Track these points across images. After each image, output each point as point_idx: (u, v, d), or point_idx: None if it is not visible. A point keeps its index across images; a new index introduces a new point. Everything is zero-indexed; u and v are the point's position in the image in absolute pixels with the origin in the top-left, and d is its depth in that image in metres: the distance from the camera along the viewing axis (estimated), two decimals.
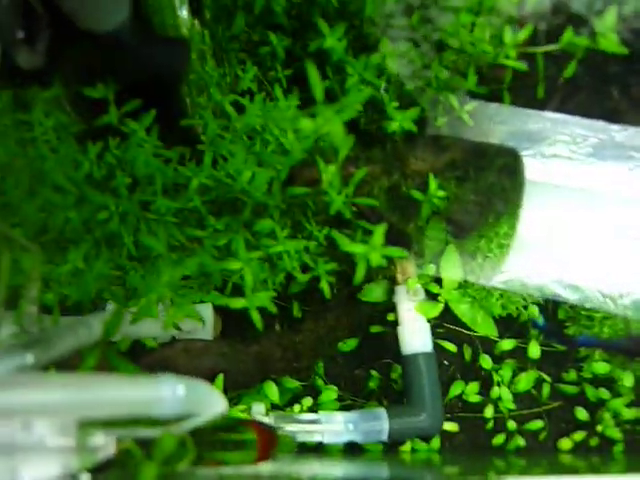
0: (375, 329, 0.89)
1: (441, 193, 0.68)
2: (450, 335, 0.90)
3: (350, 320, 0.89)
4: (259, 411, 0.79)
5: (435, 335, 0.88)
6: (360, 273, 0.52)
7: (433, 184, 0.68)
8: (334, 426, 0.78)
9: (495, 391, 0.88)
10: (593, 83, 0.81)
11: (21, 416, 0.30)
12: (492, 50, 0.64)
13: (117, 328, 0.44)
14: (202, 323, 0.85)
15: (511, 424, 0.87)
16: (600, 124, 0.76)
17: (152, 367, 0.73)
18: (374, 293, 0.87)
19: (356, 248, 0.51)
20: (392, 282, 0.86)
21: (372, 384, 0.90)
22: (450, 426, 0.89)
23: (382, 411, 0.80)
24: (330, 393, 0.86)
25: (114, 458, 0.37)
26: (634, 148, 0.75)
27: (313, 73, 0.42)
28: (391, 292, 0.86)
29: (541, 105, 0.81)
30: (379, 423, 0.79)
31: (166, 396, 0.35)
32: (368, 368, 0.91)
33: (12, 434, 0.32)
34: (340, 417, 0.79)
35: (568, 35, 0.62)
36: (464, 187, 0.71)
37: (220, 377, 0.76)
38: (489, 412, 0.87)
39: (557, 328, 0.87)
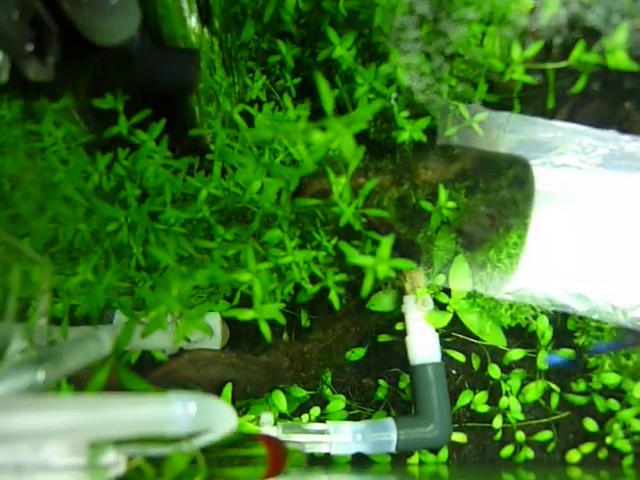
0: (383, 338, 0.89)
1: (451, 204, 0.68)
2: (459, 345, 0.89)
3: (358, 329, 0.89)
4: (267, 421, 0.78)
5: (443, 345, 0.88)
6: (368, 285, 0.52)
7: (443, 195, 0.68)
8: (342, 436, 0.78)
9: (504, 401, 0.87)
10: (604, 93, 0.80)
11: (32, 439, 0.30)
12: (501, 65, 0.63)
13: (127, 342, 0.44)
14: (210, 334, 0.85)
15: (520, 435, 0.86)
16: (610, 134, 0.75)
17: (160, 379, 0.73)
18: (383, 303, 0.87)
19: (364, 260, 0.51)
20: (401, 292, 0.86)
21: (380, 394, 0.89)
22: (458, 437, 0.88)
23: (390, 421, 0.79)
24: (338, 403, 0.86)
25: (124, 476, 0.37)
26: None
27: (322, 85, 0.42)
28: (400, 302, 0.86)
29: (551, 115, 0.81)
30: (387, 434, 0.78)
31: (178, 414, 0.35)
32: (376, 377, 0.90)
33: (20, 454, 0.32)
34: (348, 427, 0.79)
35: (577, 52, 0.61)
36: (474, 197, 0.70)
37: (228, 387, 0.75)
38: (497, 422, 0.86)
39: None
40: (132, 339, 0.52)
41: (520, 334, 0.90)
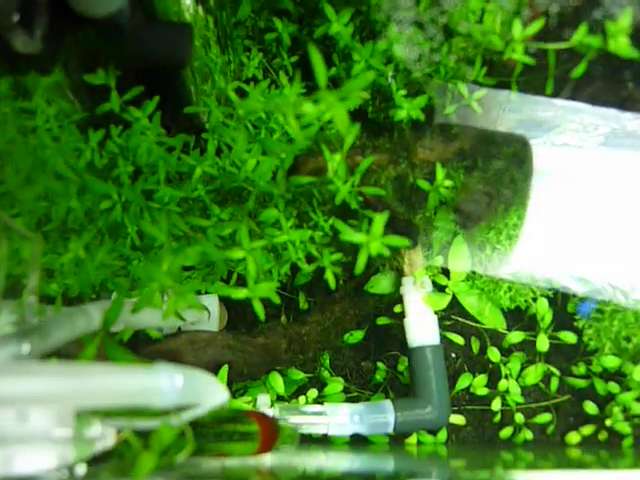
0: (382, 321, 0.89)
1: (448, 183, 0.67)
2: (458, 327, 0.89)
3: (357, 312, 0.88)
4: (264, 402, 0.78)
5: (442, 327, 0.87)
6: (361, 262, 0.51)
7: (440, 174, 0.67)
8: (340, 418, 0.78)
9: (503, 384, 0.87)
10: (607, 72, 0.79)
11: (15, 405, 0.30)
12: (500, 43, 0.62)
13: (117, 317, 0.43)
14: (208, 314, 0.85)
15: (519, 417, 0.86)
16: (612, 112, 0.74)
17: (155, 358, 0.73)
18: (381, 285, 0.86)
19: (356, 237, 0.50)
20: (399, 274, 0.85)
21: (378, 376, 0.89)
22: (457, 419, 0.88)
23: (388, 403, 0.79)
24: (336, 385, 0.86)
25: (113, 449, 0.37)
26: None
27: (316, 57, 0.41)
28: (398, 284, 0.85)
29: (554, 94, 0.80)
30: (385, 415, 0.78)
31: (164, 386, 0.34)
32: (375, 360, 0.90)
33: (6, 424, 0.31)
34: (346, 409, 0.79)
35: (580, 34, 0.60)
36: (472, 176, 0.69)
37: (224, 368, 0.75)
38: (496, 405, 0.86)
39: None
40: (125, 316, 0.51)
41: (520, 317, 0.89)
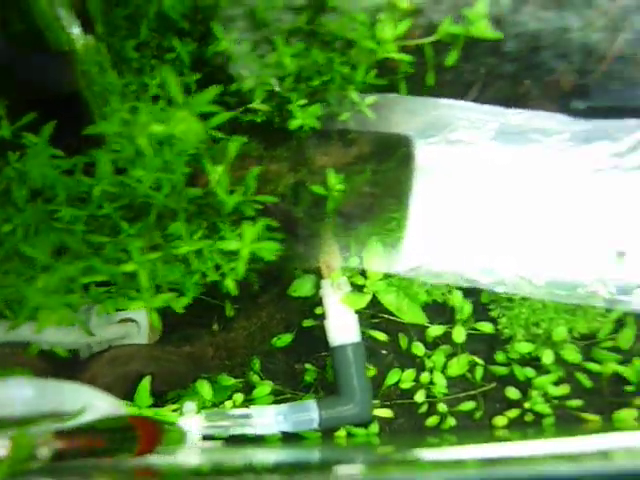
0: (308, 323, 0.91)
1: (340, 187, 0.70)
2: (382, 325, 0.92)
3: (283, 316, 0.91)
4: (190, 409, 0.80)
5: (368, 326, 0.90)
6: (240, 268, 0.54)
7: (332, 178, 0.70)
8: (265, 419, 0.80)
9: (427, 377, 0.90)
10: (511, 72, 0.81)
11: None
12: (373, 44, 0.66)
13: None
14: (138, 328, 0.87)
15: (442, 407, 0.89)
16: (497, 108, 0.77)
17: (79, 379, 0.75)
18: (303, 288, 0.89)
19: (231, 245, 0.53)
20: (319, 276, 0.88)
21: (308, 377, 0.91)
22: (387, 412, 0.90)
23: (312, 402, 0.82)
24: (264, 388, 0.88)
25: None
26: (535, 131, 0.77)
27: (169, 76, 0.44)
28: (319, 286, 0.88)
29: (460, 95, 0.83)
30: (309, 414, 0.81)
31: (14, 396, 0.37)
32: (305, 362, 0.92)
33: None
34: (270, 410, 0.81)
35: (445, 25, 0.64)
36: (364, 179, 0.72)
37: (145, 380, 0.77)
38: (422, 397, 0.89)
39: None
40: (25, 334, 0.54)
41: (443, 310, 0.92)
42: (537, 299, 0.83)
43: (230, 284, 0.66)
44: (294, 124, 0.72)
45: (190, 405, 0.81)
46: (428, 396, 0.90)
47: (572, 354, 0.86)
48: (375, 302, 0.89)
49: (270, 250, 0.53)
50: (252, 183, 0.66)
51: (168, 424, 0.59)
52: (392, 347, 0.94)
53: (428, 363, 0.91)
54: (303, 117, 0.72)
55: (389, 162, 0.72)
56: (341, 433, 0.88)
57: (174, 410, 0.80)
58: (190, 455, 0.70)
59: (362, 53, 0.68)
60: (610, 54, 0.78)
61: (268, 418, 0.81)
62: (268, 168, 0.72)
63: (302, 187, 0.71)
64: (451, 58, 0.69)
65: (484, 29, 0.63)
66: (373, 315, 0.93)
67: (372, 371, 0.92)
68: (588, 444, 0.80)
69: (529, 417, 0.90)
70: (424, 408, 0.90)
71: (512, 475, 0.65)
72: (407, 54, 0.69)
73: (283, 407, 0.82)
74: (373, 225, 0.76)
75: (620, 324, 0.88)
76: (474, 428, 0.91)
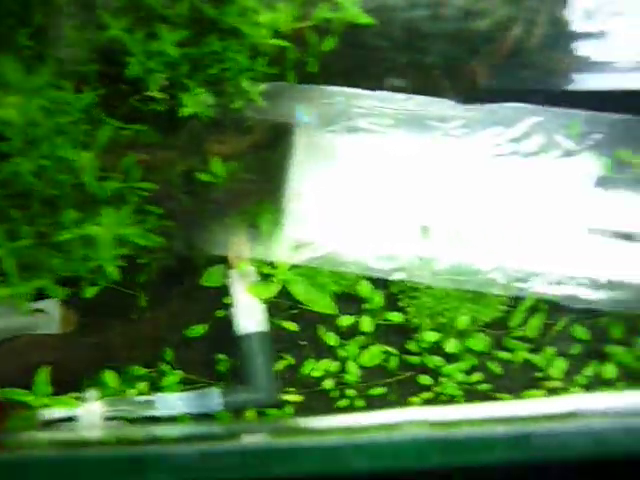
0: (220, 313, 0.92)
1: (223, 173, 0.70)
2: (302, 316, 0.92)
3: (197, 307, 0.91)
4: (92, 396, 0.81)
5: (287, 316, 0.91)
6: (104, 254, 0.54)
7: (217, 167, 0.70)
8: (168, 406, 0.81)
9: (340, 366, 0.90)
10: (382, 58, 0.82)
11: None
12: (253, 31, 0.66)
13: None
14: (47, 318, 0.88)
15: (353, 392, 0.89)
16: (391, 95, 0.78)
17: None
18: (214, 278, 0.90)
19: (90, 230, 0.54)
20: (229, 266, 0.88)
21: (222, 367, 0.92)
22: (299, 398, 0.90)
23: (215, 390, 0.83)
24: (173, 377, 0.88)
25: None
26: (432, 117, 0.78)
27: (8, 64, 0.44)
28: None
29: (334, 81, 0.83)
30: (212, 402, 0.82)
31: None
32: (218, 351, 0.93)
33: None
34: (173, 397, 0.82)
35: (321, 11, 0.64)
36: (256, 167, 0.73)
37: (44, 370, 0.78)
38: (333, 384, 0.89)
39: None
40: None
41: (355, 301, 0.92)
42: (440, 287, 0.83)
43: (112, 270, 0.66)
44: (185, 112, 0.73)
45: (92, 393, 0.81)
46: (342, 384, 0.91)
47: (480, 343, 0.87)
48: (284, 292, 0.89)
49: (138, 235, 0.53)
50: (134, 170, 0.66)
51: (23, 407, 0.60)
52: (311, 338, 0.94)
53: (342, 353, 0.91)
54: (193, 105, 0.72)
55: (279, 150, 0.73)
56: (251, 413, 0.88)
57: (76, 398, 0.81)
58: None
59: (245, 40, 0.68)
60: (506, 42, 0.78)
61: (170, 405, 0.81)
62: (159, 156, 0.72)
63: (191, 176, 0.72)
64: (328, 44, 0.69)
65: (356, 14, 0.63)
66: (292, 306, 0.93)
67: (291, 360, 0.92)
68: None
69: (443, 398, 0.90)
70: (336, 394, 0.90)
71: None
72: (292, 42, 0.69)
73: (186, 395, 0.83)
74: (271, 215, 0.77)
75: (530, 313, 0.88)
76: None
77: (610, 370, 0.85)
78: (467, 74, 0.78)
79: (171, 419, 0.82)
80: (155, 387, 0.88)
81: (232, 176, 0.72)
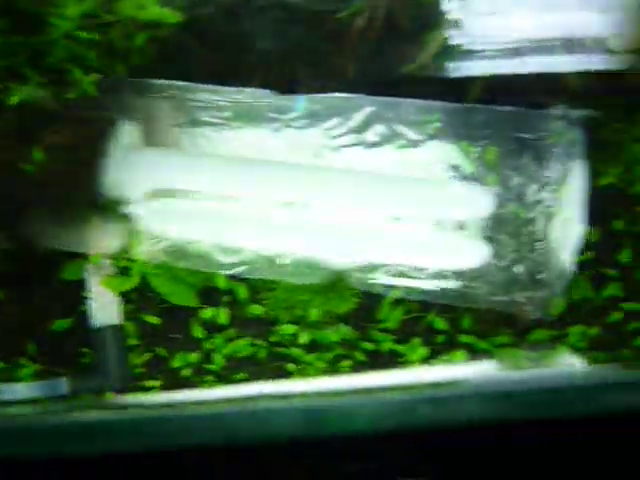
0: (83, 307, 0.91)
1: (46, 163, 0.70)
2: (154, 308, 0.91)
3: (60, 300, 0.91)
4: None
5: (139, 309, 0.90)
6: None
7: (37, 155, 0.70)
8: (12, 393, 0.81)
9: (204, 357, 0.89)
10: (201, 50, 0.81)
11: None
12: (60, 22, 0.66)
13: None
14: None
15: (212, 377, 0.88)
16: (217, 87, 0.77)
17: None
18: (74, 271, 0.89)
19: None
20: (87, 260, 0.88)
21: (87, 359, 0.91)
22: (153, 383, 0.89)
23: (61, 380, 0.83)
24: (27, 370, 0.88)
25: None
26: (269, 109, 0.77)
27: None
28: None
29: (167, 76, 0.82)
30: (57, 388, 0.82)
31: None
32: (83, 345, 0.92)
33: None
34: (18, 387, 0.83)
35: (125, 8, 0.64)
36: (82, 158, 0.73)
37: None
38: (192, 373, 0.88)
39: None
40: None
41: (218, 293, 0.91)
42: (291, 281, 0.82)
43: None
44: (12, 100, 0.72)
45: None
46: (204, 372, 0.90)
47: (334, 335, 0.86)
48: (145, 285, 0.88)
49: None
50: None
51: None
52: (180, 330, 0.93)
53: (208, 345, 0.91)
54: (21, 95, 0.72)
55: (106, 142, 0.72)
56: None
57: None
58: None
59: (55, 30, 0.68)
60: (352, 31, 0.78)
61: (15, 392, 0.81)
62: None
63: (16, 166, 0.71)
64: (140, 39, 0.69)
65: (157, 12, 0.63)
66: (162, 300, 0.92)
67: (161, 352, 0.91)
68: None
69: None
70: (196, 379, 0.89)
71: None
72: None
73: (31, 384, 0.83)
74: (109, 208, 0.76)
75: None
76: None
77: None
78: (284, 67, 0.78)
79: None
80: (10, 379, 0.87)
81: (55, 167, 0.71)
